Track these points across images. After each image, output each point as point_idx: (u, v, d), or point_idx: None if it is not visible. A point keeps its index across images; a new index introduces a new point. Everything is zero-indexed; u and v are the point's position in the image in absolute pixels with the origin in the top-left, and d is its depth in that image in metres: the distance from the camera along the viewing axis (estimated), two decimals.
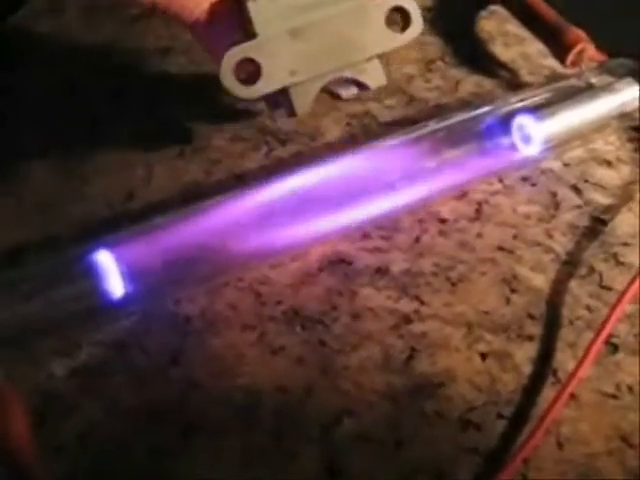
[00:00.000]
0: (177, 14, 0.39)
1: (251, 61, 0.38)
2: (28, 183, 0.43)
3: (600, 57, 0.45)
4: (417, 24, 0.39)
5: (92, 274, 0.34)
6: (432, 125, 0.40)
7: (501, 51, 0.50)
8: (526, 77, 0.48)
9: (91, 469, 0.31)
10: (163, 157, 0.44)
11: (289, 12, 0.38)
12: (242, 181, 0.42)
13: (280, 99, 0.39)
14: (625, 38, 0.46)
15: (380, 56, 0.40)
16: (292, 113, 0.39)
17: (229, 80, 0.37)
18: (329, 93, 0.41)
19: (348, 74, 0.39)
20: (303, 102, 0.39)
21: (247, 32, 0.38)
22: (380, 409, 0.32)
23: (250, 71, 0.38)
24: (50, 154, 0.45)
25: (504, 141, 0.40)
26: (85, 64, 0.52)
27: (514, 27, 0.52)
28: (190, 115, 0.46)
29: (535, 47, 0.49)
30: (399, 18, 0.39)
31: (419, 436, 0.31)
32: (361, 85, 0.41)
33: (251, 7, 0.37)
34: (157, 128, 0.46)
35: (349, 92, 0.41)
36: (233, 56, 0.37)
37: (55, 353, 0.34)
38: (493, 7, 0.54)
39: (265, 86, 0.38)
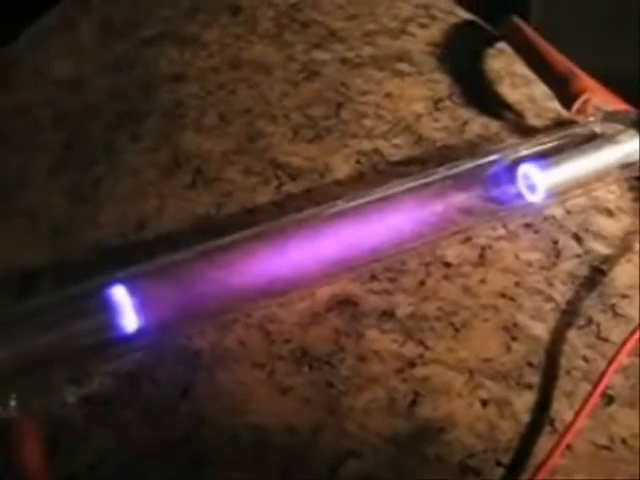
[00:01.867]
0: None
1: None
2: (42, 207, 0.44)
3: (605, 106, 0.46)
4: None
5: (107, 309, 0.35)
6: (440, 171, 0.41)
7: (508, 92, 0.52)
8: (532, 120, 0.49)
9: None
10: (175, 187, 0.45)
11: None
12: (253, 215, 0.43)
13: None
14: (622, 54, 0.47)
15: None
16: None
17: None
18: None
19: None
20: None
21: None
22: (383, 451, 0.33)
23: None
24: (64, 178, 0.46)
25: (509, 188, 0.41)
26: (99, 85, 0.53)
27: (521, 67, 0.53)
28: (202, 145, 0.47)
29: (541, 89, 0.51)
30: None
31: None
32: None
33: None
34: (169, 157, 0.47)
35: None
36: None
37: (67, 382, 0.35)
38: (501, 45, 0.55)
39: None
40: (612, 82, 0.47)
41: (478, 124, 0.49)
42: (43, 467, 0.31)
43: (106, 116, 0.50)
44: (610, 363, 0.35)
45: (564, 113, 0.49)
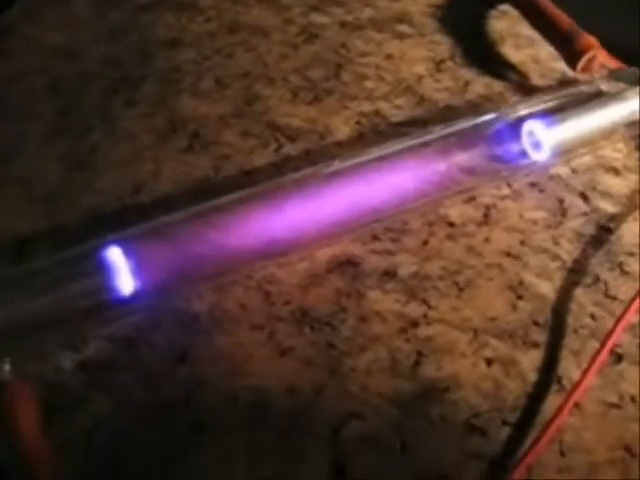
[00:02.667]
0: None
1: None
2: (38, 174, 0.43)
3: (611, 63, 0.45)
4: None
5: (102, 270, 0.34)
6: (442, 129, 0.40)
7: (512, 53, 0.50)
8: (536, 80, 0.48)
9: (98, 464, 0.31)
10: (172, 151, 0.44)
11: None
12: (251, 178, 0.42)
13: None
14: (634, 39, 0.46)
15: None
16: None
17: None
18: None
19: None
20: None
21: None
22: (386, 412, 0.32)
23: None
24: (60, 145, 0.45)
25: (513, 146, 0.40)
26: (94, 53, 0.52)
27: (525, 29, 0.52)
28: (199, 109, 0.46)
29: (546, 50, 0.49)
30: None
31: (424, 440, 0.31)
32: None
33: None
34: (166, 121, 0.46)
35: None
36: None
37: (63, 347, 0.35)
38: (504, 7, 0.54)
39: None
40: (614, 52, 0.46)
41: (481, 84, 0.48)
42: (39, 432, 0.31)
43: (102, 83, 0.49)
44: (618, 321, 0.34)
45: (569, 73, 0.47)
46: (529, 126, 0.40)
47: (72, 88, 0.49)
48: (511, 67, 0.49)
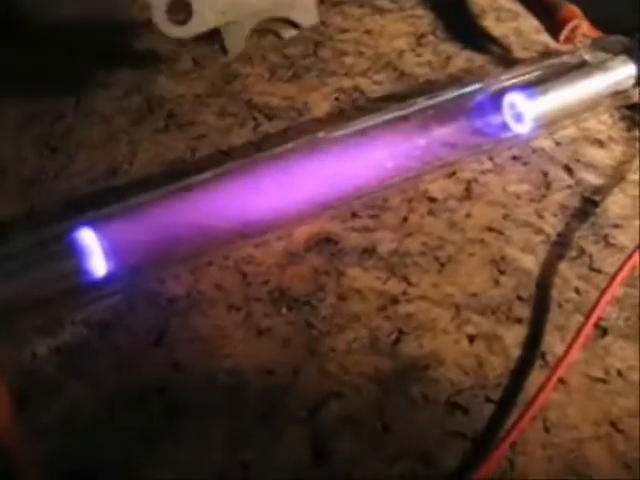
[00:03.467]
0: None
1: (183, 2, 0.37)
2: (11, 159, 0.42)
3: (594, 33, 0.44)
4: None
5: (75, 252, 0.33)
6: (421, 102, 0.39)
7: (493, 26, 0.50)
8: (519, 53, 0.47)
9: (75, 450, 0.30)
10: (147, 132, 0.43)
11: None
12: (228, 157, 0.41)
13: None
14: (619, 14, 0.45)
15: None
16: (225, 52, 0.39)
17: (161, 20, 0.37)
18: (271, 32, 0.40)
19: (279, 13, 0.39)
20: (235, 41, 0.39)
21: None
22: (366, 392, 0.31)
23: (182, 11, 0.37)
24: (33, 129, 0.44)
25: (495, 119, 0.39)
26: (68, 36, 0.51)
27: (507, 1, 0.51)
28: (175, 90, 0.46)
29: (529, 23, 0.49)
30: None
31: (405, 419, 0.30)
32: (296, 25, 0.40)
33: None
34: (142, 102, 0.45)
35: (289, 33, 0.40)
36: None
37: (37, 332, 0.34)
38: None
39: (197, 26, 0.38)
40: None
41: (462, 58, 0.47)
42: (13, 420, 0.30)
43: (76, 65, 0.48)
44: (602, 294, 0.33)
45: (552, 45, 0.47)
46: (510, 98, 0.39)
47: (46, 71, 0.48)
48: (493, 40, 0.48)
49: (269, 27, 0.41)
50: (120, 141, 0.42)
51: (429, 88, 0.44)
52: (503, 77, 0.41)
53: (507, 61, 0.47)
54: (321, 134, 0.38)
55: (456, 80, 0.45)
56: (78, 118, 0.44)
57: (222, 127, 0.43)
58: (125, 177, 0.40)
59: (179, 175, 0.37)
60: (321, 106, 0.44)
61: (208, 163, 0.40)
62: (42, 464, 0.29)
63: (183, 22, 0.38)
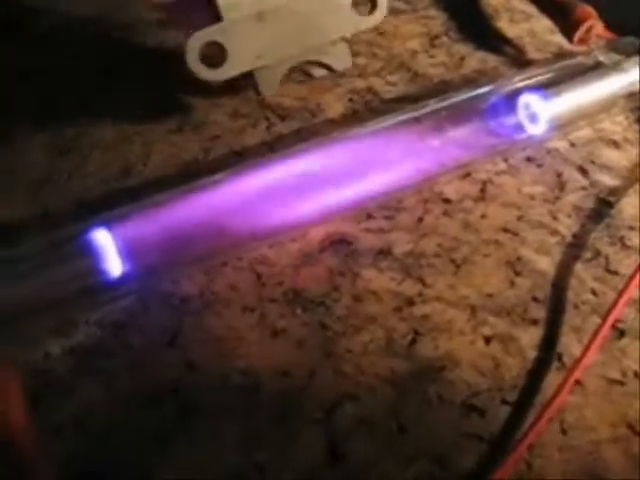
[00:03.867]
0: None
1: (217, 44, 0.37)
2: (23, 160, 0.42)
3: (608, 35, 0.44)
4: (382, 7, 0.38)
5: (89, 253, 0.33)
6: (436, 103, 0.39)
7: (507, 27, 0.50)
8: (532, 54, 0.47)
9: (89, 450, 0.30)
10: (161, 133, 0.43)
11: None
12: (242, 158, 0.41)
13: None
14: (633, 15, 0.45)
15: (346, 39, 0.39)
16: (258, 94, 0.39)
17: (194, 63, 0.37)
18: (302, 72, 0.41)
19: (313, 57, 0.39)
20: (269, 84, 0.38)
21: (214, 14, 0.37)
22: (382, 393, 0.31)
23: (216, 54, 0.37)
24: (46, 130, 0.44)
25: (509, 120, 0.39)
26: (78, 35, 0.51)
27: (521, 3, 0.51)
28: (188, 90, 0.45)
29: (542, 24, 0.49)
30: (365, 1, 0.39)
31: (421, 421, 0.30)
32: (329, 67, 0.40)
33: None
34: (155, 103, 0.45)
35: (320, 72, 0.41)
36: (198, 39, 0.37)
37: (51, 333, 0.34)
38: None
39: (230, 69, 0.38)
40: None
41: (476, 59, 0.47)
42: (28, 421, 0.30)
43: (88, 64, 0.48)
44: (620, 296, 0.33)
45: (566, 46, 0.47)
46: (525, 99, 0.39)
47: (57, 71, 0.48)
48: (507, 41, 0.48)
49: (301, 68, 0.41)
50: (133, 142, 0.42)
51: (443, 89, 0.44)
52: (517, 78, 0.41)
53: (521, 62, 0.46)
54: (334, 135, 0.38)
55: (470, 81, 0.45)
56: (90, 118, 0.44)
57: (235, 128, 0.43)
58: (139, 178, 0.40)
59: (193, 176, 0.37)
60: (334, 107, 0.44)
61: (221, 164, 0.40)
62: (55, 464, 0.29)
63: (217, 65, 0.37)
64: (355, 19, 0.38)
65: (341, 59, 0.40)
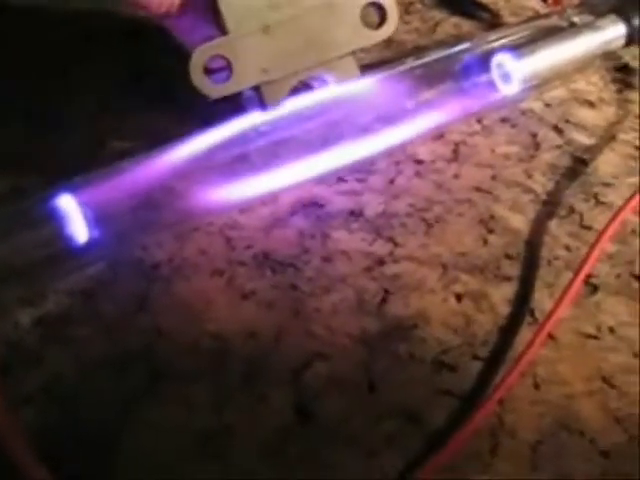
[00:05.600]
0: (145, 5, 0.37)
1: (222, 58, 0.36)
2: None
3: None
4: (393, 20, 0.38)
5: (55, 218, 0.32)
6: (408, 63, 0.39)
7: None
8: (507, 18, 0.47)
9: (60, 419, 0.30)
10: (135, 105, 0.42)
11: (262, 9, 0.36)
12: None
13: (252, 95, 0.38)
14: None
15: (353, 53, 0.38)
16: (264, 107, 0.38)
17: (199, 78, 0.36)
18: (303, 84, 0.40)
19: (320, 72, 0.38)
20: (274, 99, 0.37)
21: (219, 28, 0.36)
22: (352, 352, 0.31)
23: (221, 69, 0.36)
24: (18, 104, 0.43)
25: (483, 80, 0.39)
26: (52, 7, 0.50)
27: None
28: (164, 62, 0.45)
29: None
30: (374, 13, 0.38)
31: (392, 379, 0.30)
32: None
33: (222, 3, 0.35)
34: (130, 76, 0.44)
35: (322, 85, 0.40)
36: (203, 53, 0.35)
37: (20, 302, 0.33)
38: None
39: (236, 84, 0.36)
40: None
41: (450, 24, 0.46)
42: None
43: (61, 36, 0.47)
44: (592, 249, 0.32)
45: (542, 11, 0.46)
46: (498, 59, 0.39)
47: (30, 43, 0.47)
48: (481, 6, 0.48)
49: (307, 81, 0.40)
50: (107, 114, 0.42)
51: (417, 54, 0.43)
52: (491, 38, 0.40)
53: (496, 27, 0.46)
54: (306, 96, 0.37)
55: (444, 45, 0.44)
56: (64, 91, 0.44)
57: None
58: (112, 149, 0.40)
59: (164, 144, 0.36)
60: None
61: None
62: (26, 433, 0.29)
63: (222, 81, 0.37)
64: (364, 33, 0.37)
65: (348, 73, 0.39)
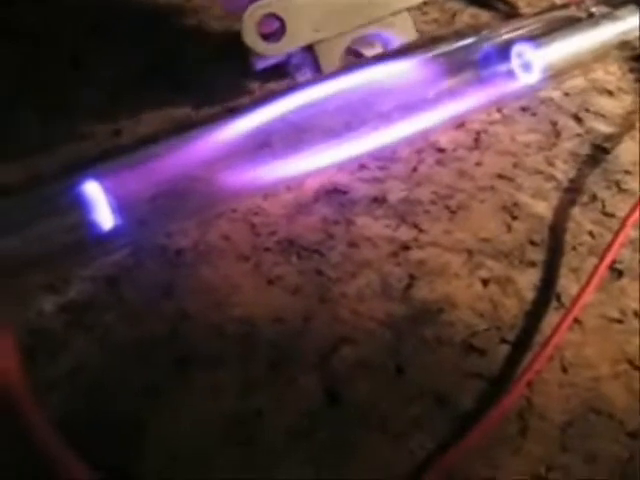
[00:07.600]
0: None
1: (275, 17, 0.36)
2: (11, 126, 0.42)
3: None
4: None
5: (80, 206, 0.32)
6: (430, 52, 0.39)
7: None
8: (524, 9, 0.47)
9: (86, 406, 0.30)
10: (152, 92, 0.42)
11: None
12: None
13: (304, 57, 0.37)
14: None
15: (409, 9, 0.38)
16: (317, 72, 0.37)
17: (252, 37, 0.35)
18: (353, 53, 0.39)
19: (375, 30, 0.37)
20: (329, 60, 0.37)
21: None
22: (379, 336, 0.31)
23: (275, 27, 0.36)
24: (33, 95, 0.43)
25: (502, 69, 0.39)
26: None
27: None
28: (180, 49, 0.45)
29: None
30: None
31: (420, 362, 0.30)
32: (387, 42, 0.39)
33: None
34: (145, 62, 0.44)
35: (373, 51, 0.39)
36: (257, 11, 0.35)
37: (44, 289, 0.33)
38: None
39: (289, 43, 0.36)
40: None
41: (468, 15, 0.46)
42: (21, 376, 0.29)
43: (73, 25, 0.47)
44: (616, 235, 0.33)
45: (559, 1, 0.46)
46: (518, 48, 0.39)
47: (42, 32, 0.47)
48: None
49: (354, 46, 0.39)
50: (123, 101, 0.42)
51: (435, 44, 0.43)
52: (511, 27, 0.40)
53: (513, 17, 0.46)
54: (329, 83, 0.37)
55: (462, 35, 0.44)
56: (78, 79, 0.44)
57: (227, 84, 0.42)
58: (130, 136, 0.40)
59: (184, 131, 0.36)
60: None
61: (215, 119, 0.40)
62: (51, 420, 0.29)
63: (275, 38, 0.36)
64: None
65: (405, 31, 0.38)
